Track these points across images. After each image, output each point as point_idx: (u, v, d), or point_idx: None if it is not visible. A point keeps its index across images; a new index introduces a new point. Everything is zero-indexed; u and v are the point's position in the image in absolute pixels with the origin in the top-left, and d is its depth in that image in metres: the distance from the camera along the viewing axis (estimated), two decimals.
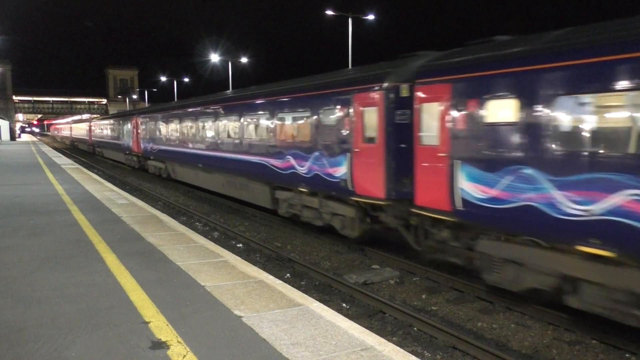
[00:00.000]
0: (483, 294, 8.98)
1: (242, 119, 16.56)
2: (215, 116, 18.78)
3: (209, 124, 19.60)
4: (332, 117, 11.89)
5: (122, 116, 37.46)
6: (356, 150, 10.99)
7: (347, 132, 11.23)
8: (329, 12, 35.52)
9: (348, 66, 32.86)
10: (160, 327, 5.13)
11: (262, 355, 4.52)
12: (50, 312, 5.54)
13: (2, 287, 6.40)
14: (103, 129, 45.14)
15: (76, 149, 64.11)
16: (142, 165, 31.23)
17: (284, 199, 14.35)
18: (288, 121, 14.10)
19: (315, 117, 12.49)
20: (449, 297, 9.11)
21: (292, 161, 13.37)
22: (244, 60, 55.37)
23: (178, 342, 4.79)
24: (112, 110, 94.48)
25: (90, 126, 53.53)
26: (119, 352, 4.56)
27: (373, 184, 10.54)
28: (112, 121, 40.72)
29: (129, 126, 32.92)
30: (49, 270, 7.14)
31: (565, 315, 7.82)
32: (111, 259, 7.76)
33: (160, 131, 26.09)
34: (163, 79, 78.01)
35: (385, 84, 10.34)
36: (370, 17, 36.60)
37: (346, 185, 11.29)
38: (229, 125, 17.86)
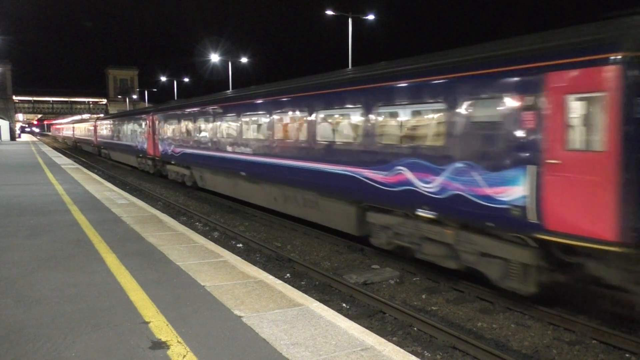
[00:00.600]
0: (483, 294, 8.98)
1: (312, 116, 12.50)
2: (268, 112, 14.68)
3: (257, 122, 15.71)
4: (494, 109, 7.91)
5: (135, 114, 33.15)
6: (552, 161, 7.03)
7: (529, 133, 7.31)
8: (329, 12, 35.57)
9: (348, 66, 32.76)
10: (160, 327, 5.13)
11: (262, 355, 4.52)
12: (50, 312, 5.54)
13: (2, 287, 6.40)
14: (111, 129, 40.52)
15: (79, 151, 60.82)
16: (158, 171, 27.69)
17: (384, 225, 10.53)
18: (400, 117, 10.34)
19: (457, 110, 8.47)
20: (449, 297, 9.11)
21: (408, 174, 9.42)
22: (244, 60, 55.47)
23: (178, 342, 4.79)
24: (112, 110, 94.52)
25: (95, 126, 49.32)
26: (118, 352, 4.56)
27: (590, 217, 6.71)
28: (122, 120, 36.22)
29: (143, 126, 29.18)
30: (49, 270, 7.14)
31: (566, 315, 7.82)
32: (111, 259, 7.76)
33: (185, 131, 22.19)
34: (163, 79, 78.21)
35: (620, 55, 6.34)
36: (370, 17, 36.64)
37: (523, 214, 7.41)
38: (289, 124, 13.81)
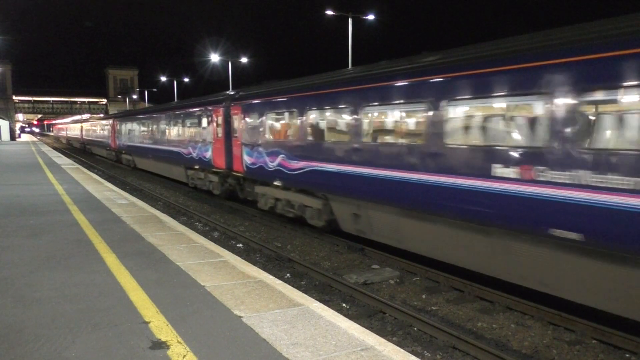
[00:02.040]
0: (483, 294, 8.98)
1: None
2: None
3: None
4: None
5: (187, 107, 22.70)
6: None
7: None
8: (329, 12, 35.59)
9: (348, 66, 32.79)
10: (160, 327, 5.13)
11: (262, 355, 4.52)
12: (50, 312, 5.54)
13: (2, 287, 6.40)
14: (140, 128, 30.70)
15: (90, 156, 50.80)
16: (230, 191, 19.15)
17: None
18: None
19: None
20: (449, 297, 9.11)
21: None
22: (244, 60, 55.51)
23: (178, 342, 4.79)
24: (112, 110, 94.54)
25: (113, 125, 38.92)
26: (118, 352, 4.56)
27: None
28: (160, 116, 26.45)
29: (204, 123, 19.84)
30: (49, 270, 7.14)
31: (566, 315, 7.82)
32: (111, 259, 7.76)
33: (318, 131, 12.59)
34: (163, 79, 78.26)
35: None
36: (370, 17, 36.66)
37: None
38: None
